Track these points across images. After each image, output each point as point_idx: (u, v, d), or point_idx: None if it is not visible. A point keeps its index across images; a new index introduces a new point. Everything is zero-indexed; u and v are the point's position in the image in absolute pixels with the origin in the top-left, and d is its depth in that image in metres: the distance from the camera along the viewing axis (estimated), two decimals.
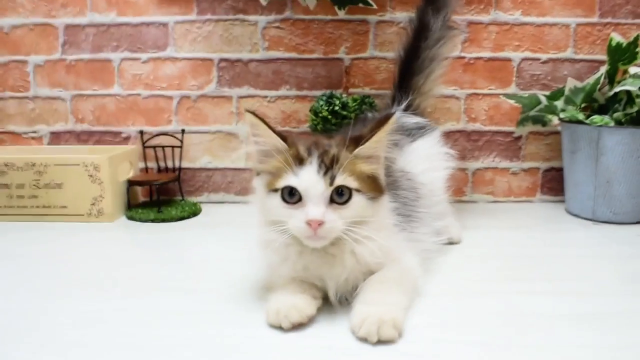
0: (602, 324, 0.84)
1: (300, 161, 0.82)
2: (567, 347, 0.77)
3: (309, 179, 0.81)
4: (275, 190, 0.83)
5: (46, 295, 0.97)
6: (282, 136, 0.85)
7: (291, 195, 0.82)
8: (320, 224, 0.79)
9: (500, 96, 1.57)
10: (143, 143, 1.62)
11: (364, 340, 0.77)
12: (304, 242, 0.83)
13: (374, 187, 0.86)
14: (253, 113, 0.83)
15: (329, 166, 0.81)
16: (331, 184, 0.80)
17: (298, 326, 0.82)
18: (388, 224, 0.90)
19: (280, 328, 0.81)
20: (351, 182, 0.82)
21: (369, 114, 1.33)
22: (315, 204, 0.80)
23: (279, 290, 0.87)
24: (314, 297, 0.87)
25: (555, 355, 0.75)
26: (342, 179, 0.81)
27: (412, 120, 1.24)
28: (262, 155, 0.87)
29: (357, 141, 0.84)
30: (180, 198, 1.63)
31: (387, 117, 0.84)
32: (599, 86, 1.43)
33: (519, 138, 1.64)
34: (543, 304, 0.92)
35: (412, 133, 1.20)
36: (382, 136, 0.84)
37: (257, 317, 0.85)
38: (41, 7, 1.59)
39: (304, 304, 0.83)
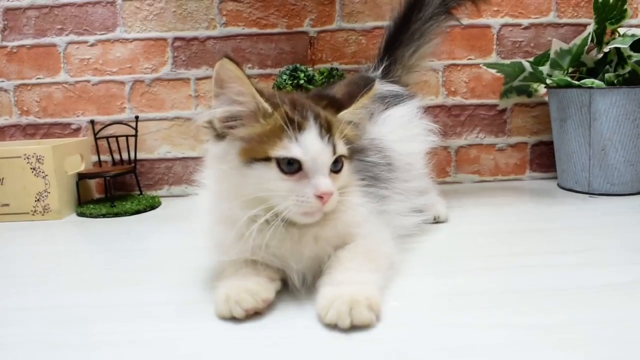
0: (609, 297, 0.73)
1: (298, 126, 0.70)
2: (573, 324, 0.65)
3: (315, 147, 0.70)
4: (266, 160, 0.70)
5: None
6: (261, 93, 0.72)
7: (290, 165, 0.70)
8: (330, 196, 0.70)
9: (481, 65, 1.44)
10: (95, 134, 1.47)
11: (333, 326, 0.64)
12: (296, 219, 0.71)
13: (350, 153, 0.79)
14: (233, 60, 0.69)
15: (327, 132, 0.72)
16: (334, 152, 0.73)
17: (253, 315, 0.69)
18: (358, 192, 0.80)
19: (233, 318, 0.68)
20: (345, 150, 0.76)
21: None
22: (324, 174, 0.71)
23: (229, 276, 0.74)
24: (271, 279, 0.73)
25: (555, 333, 0.62)
26: (341, 147, 0.74)
27: (386, 87, 1.12)
28: (234, 117, 0.72)
29: (339, 105, 0.79)
30: (138, 192, 1.48)
31: (369, 82, 0.81)
32: (586, 47, 1.32)
33: (503, 111, 1.52)
34: (540, 279, 0.80)
35: (386, 101, 1.07)
36: (365, 102, 0.80)
37: (207, 308, 0.72)
38: None
39: (258, 287, 0.70)
